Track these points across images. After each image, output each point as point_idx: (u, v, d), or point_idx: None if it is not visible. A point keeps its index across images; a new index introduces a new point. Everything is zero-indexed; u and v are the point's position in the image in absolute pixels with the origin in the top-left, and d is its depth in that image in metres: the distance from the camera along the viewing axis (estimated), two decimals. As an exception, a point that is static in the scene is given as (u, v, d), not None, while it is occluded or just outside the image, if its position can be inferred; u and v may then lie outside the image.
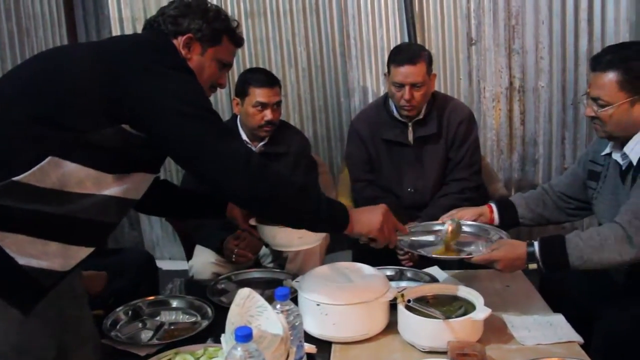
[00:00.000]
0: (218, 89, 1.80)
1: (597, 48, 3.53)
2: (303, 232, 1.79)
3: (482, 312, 1.71)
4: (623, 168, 1.95)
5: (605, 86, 1.85)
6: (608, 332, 1.82)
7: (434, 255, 1.95)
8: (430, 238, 2.08)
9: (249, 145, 2.84)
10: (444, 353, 1.56)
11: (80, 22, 3.93)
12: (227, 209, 2.04)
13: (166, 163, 3.93)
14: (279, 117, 2.82)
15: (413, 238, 2.06)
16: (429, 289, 1.92)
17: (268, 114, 2.73)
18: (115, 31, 3.90)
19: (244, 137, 2.84)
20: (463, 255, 1.95)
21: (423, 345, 1.69)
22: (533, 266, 1.80)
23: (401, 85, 2.64)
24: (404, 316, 1.74)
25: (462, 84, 3.70)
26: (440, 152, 2.79)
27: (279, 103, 2.79)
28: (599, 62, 1.88)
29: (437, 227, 2.10)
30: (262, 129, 2.76)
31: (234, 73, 3.62)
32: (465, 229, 2.09)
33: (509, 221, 2.23)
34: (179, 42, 1.65)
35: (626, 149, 1.90)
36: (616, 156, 1.97)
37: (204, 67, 1.67)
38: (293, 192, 1.53)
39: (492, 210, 2.23)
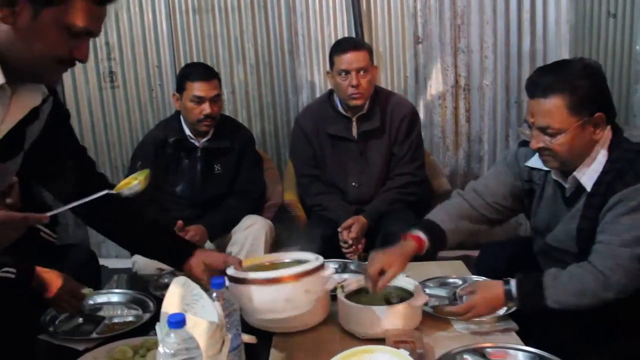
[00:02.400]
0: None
1: (540, 48, 3.64)
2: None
3: (419, 299, 1.74)
4: (567, 194, 1.87)
5: (552, 113, 1.71)
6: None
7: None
8: (443, 293, 2.01)
9: (193, 141, 2.83)
10: (382, 340, 1.58)
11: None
12: (187, 265, 1.78)
13: (102, 164, 3.92)
14: (218, 110, 2.82)
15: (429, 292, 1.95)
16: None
17: (206, 108, 2.72)
18: None
19: (188, 132, 2.83)
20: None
21: (362, 333, 1.71)
22: (510, 304, 1.76)
23: (347, 72, 2.67)
24: (344, 306, 1.76)
25: (409, 81, 3.76)
26: (384, 147, 2.83)
27: (217, 96, 2.79)
28: (538, 88, 1.74)
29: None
30: (201, 123, 2.76)
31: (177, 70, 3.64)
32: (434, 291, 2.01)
33: (440, 245, 1.97)
34: None
35: (577, 174, 1.80)
36: (557, 178, 1.88)
37: (36, 36, 1.23)
38: None
39: (422, 241, 1.91)
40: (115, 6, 3.67)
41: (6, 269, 1.84)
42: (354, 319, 1.74)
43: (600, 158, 1.77)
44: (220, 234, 2.80)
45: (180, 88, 2.78)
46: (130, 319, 1.98)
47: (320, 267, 1.61)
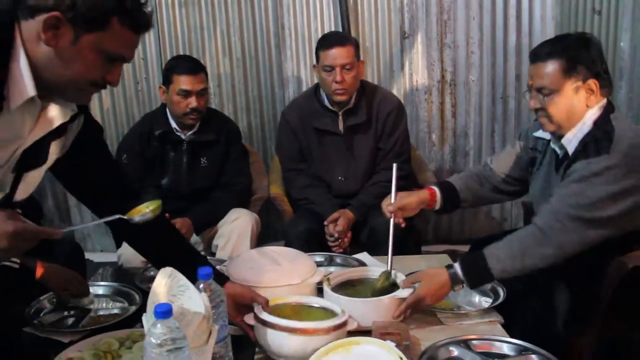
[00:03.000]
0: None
1: (525, 44, 3.66)
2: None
3: (406, 291, 1.75)
4: (560, 157, 1.97)
5: (549, 75, 1.85)
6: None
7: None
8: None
9: (179, 134, 2.82)
10: (369, 332, 1.59)
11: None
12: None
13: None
14: (205, 104, 2.81)
15: None
16: (354, 272, 1.95)
17: (193, 102, 2.72)
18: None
19: (174, 125, 2.82)
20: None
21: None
22: (459, 288, 1.80)
23: (332, 68, 2.68)
24: (331, 298, 1.76)
25: (395, 76, 3.76)
26: (370, 141, 2.83)
27: (204, 90, 2.78)
28: (538, 54, 1.88)
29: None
30: (187, 116, 2.75)
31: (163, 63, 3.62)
32: None
33: (451, 204, 2.22)
34: (38, 22, 1.21)
35: (564, 140, 1.90)
36: (554, 145, 1.99)
37: (75, 59, 1.25)
38: None
39: (434, 194, 2.19)
40: None
41: (13, 259, 1.87)
42: None
43: (584, 128, 1.86)
44: (206, 226, 2.80)
45: (167, 81, 2.77)
46: (115, 311, 1.97)
47: (346, 322, 1.60)
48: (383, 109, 2.82)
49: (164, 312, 1.16)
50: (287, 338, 1.50)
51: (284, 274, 1.78)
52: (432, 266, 2.16)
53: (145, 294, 2.00)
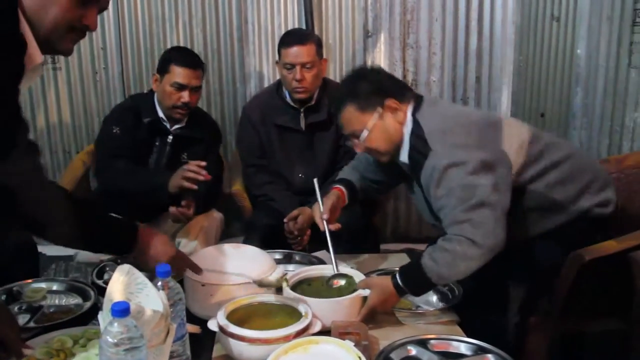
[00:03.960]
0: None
1: (486, 47, 3.73)
2: None
3: (366, 290, 1.76)
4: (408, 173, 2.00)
5: (350, 120, 1.92)
6: None
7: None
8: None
9: (165, 124, 2.76)
10: (327, 332, 1.59)
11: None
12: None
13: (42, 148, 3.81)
14: (196, 101, 2.76)
15: None
16: (311, 271, 1.97)
17: (185, 96, 2.66)
18: None
19: (161, 114, 2.76)
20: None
21: None
22: (408, 295, 1.83)
23: (292, 66, 2.67)
24: (292, 297, 1.76)
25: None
26: (332, 139, 2.84)
27: (198, 87, 2.73)
28: (334, 109, 1.97)
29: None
30: (176, 110, 2.70)
31: (154, 53, 3.63)
32: None
33: (353, 199, 2.24)
34: None
35: (401, 163, 1.96)
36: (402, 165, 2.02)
37: (50, 3, 1.28)
38: None
39: (343, 192, 2.20)
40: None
41: None
42: None
43: (406, 145, 1.91)
44: (202, 209, 2.76)
45: (163, 70, 2.69)
46: (70, 308, 1.92)
47: (309, 326, 1.58)
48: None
49: (121, 310, 1.13)
50: (249, 348, 1.49)
51: (244, 271, 1.76)
52: (391, 264, 2.20)
53: (100, 290, 1.97)
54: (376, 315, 1.79)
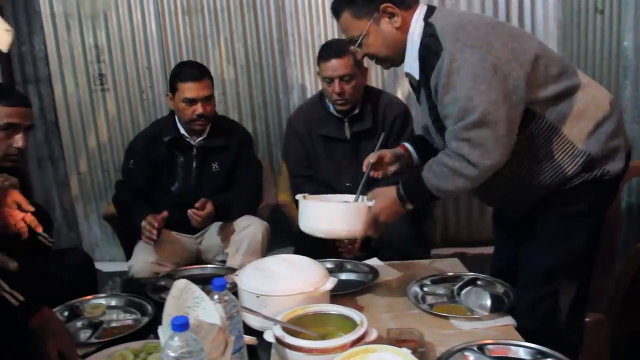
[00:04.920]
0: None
1: (528, 45, 3.66)
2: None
3: (371, 201, 1.88)
4: (415, 84, 1.95)
5: (347, 26, 1.90)
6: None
7: None
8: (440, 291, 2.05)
9: (188, 140, 2.82)
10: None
11: (9, 18, 3.81)
12: None
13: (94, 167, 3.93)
14: (212, 109, 2.80)
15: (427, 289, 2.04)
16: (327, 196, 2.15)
17: (198, 108, 2.71)
18: (48, 28, 3.81)
19: (182, 131, 2.82)
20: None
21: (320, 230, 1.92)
22: (410, 205, 1.86)
23: (331, 80, 2.68)
24: (306, 204, 1.95)
25: (400, 80, 3.77)
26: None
27: (209, 96, 2.76)
28: (334, 12, 1.94)
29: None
30: (195, 122, 2.75)
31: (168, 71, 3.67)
32: None
33: (428, 156, 2.11)
34: None
35: (406, 68, 1.89)
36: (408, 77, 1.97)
37: None
38: None
39: (406, 149, 2.18)
40: (104, 8, 3.70)
41: (15, 293, 1.76)
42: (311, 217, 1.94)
43: (414, 48, 1.83)
44: (225, 216, 2.78)
45: (172, 88, 2.76)
46: (128, 322, 1.97)
47: (365, 335, 1.59)
48: (389, 114, 2.83)
49: (181, 324, 1.16)
50: (306, 358, 1.49)
51: (297, 282, 1.77)
52: (443, 269, 2.18)
53: (156, 304, 2.01)
54: (380, 225, 1.88)
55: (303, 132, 2.88)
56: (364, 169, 2.07)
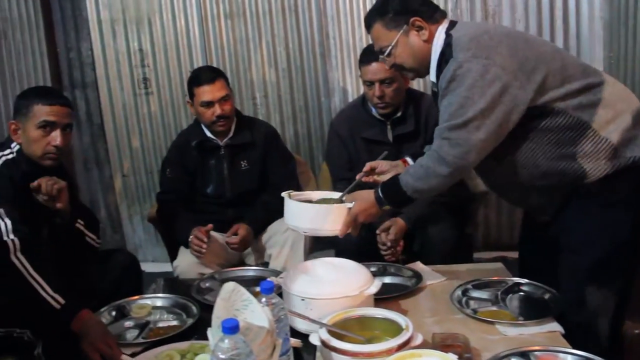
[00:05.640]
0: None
1: (573, 45, 3.61)
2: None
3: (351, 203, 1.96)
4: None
5: (378, 36, 1.98)
6: None
7: None
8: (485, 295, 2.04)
9: (215, 141, 2.86)
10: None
11: (58, 24, 3.91)
12: None
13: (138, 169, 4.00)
14: (230, 109, 2.82)
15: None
16: (313, 194, 2.21)
17: (217, 109, 2.75)
18: (94, 33, 3.90)
19: (209, 134, 2.86)
20: None
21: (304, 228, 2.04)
22: (387, 207, 1.96)
23: (371, 83, 2.68)
24: (290, 205, 2.02)
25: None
26: (420, 149, 2.81)
27: (226, 96, 2.79)
28: (366, 23, 2.03)
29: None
30: (216, 124, 2.80)
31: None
32: None
33: None
34: None
35: (430, 77, 1.98)
36: (434, 88, 2.04)
37: None
38: None
39: (407, 164, 2.23)
40: (149, 13, 3.77)
41: (57, 296, 1.87)
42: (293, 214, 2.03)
43: (435, 57, 1.93)
44: (262, 229, 2.84)
45: (190, 94, 2.83)
46: (174, 323, 2.01)
47: (410, 339, 1.60)
48: (431, 117, 2.80)
49: (231, 327, 1.18)
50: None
51: (341, 285, 1.78)
52: (486, 274, 2.16)
53: (201, 305, 2.04)
54: (358, 225, 1.98)
55: (345, 135, 2.88)
56: (358, 175, 2.19)
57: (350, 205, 1.97)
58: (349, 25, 3.72)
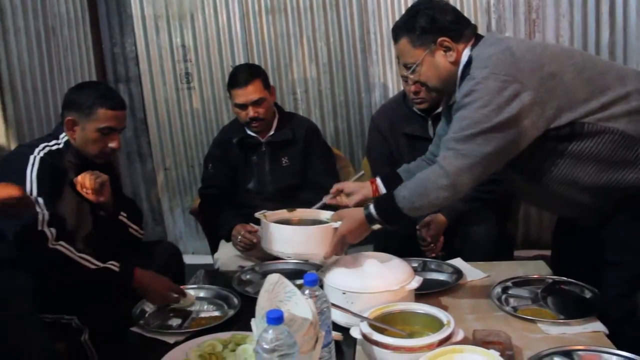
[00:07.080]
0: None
1: (620, 40, 3.53)
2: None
3: (338, 223, 1.93)
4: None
5: (404, 52, 1.93)
6: None
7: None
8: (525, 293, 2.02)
9: (256, 138, 2.90)
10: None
11: (103, 20, 3.99)
12: None
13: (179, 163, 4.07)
14: (265, 111, 2.83)
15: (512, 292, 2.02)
16: (292, 214, 2.20)
17: (250, 112, 2.79)
18: (138, 29, 3.97)
19: (249, 132, 2.90)
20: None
21: (284, 252, 2.00)
22: (377, 227, 1.88)
23: (406, 79, 2.67)
24: (270, 228, 1.99)
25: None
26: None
27: (260, 100, 2.79)
28: (393, 35, 1.97)
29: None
30: (250, 125, 2.84)
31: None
32: None
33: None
34: None
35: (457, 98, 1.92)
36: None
37: None
38: None
39: (376, 184, 2.20)
40: (191, 9, 3.82)
41: (112, 262, 2.06)
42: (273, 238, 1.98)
43: (459, 76, 1.89)
44: None
45: (229, 93, 2.87)
46: (216, 313, 2.04)
47: (451, 335, 1.59)
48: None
49: (276, 318, 1.19)
50: (392, 356, 1.50)
51: (382, 279, 1.79)
52: (527, 272, 2.14)
53: (242, 297, 2.07)
54: (346, 246, 1.93)
55: (386, 131, 2.88)
56: (323, 199, 2.21)
57: (336, 225, 1.91)
58: (389, 21, 3.70)
